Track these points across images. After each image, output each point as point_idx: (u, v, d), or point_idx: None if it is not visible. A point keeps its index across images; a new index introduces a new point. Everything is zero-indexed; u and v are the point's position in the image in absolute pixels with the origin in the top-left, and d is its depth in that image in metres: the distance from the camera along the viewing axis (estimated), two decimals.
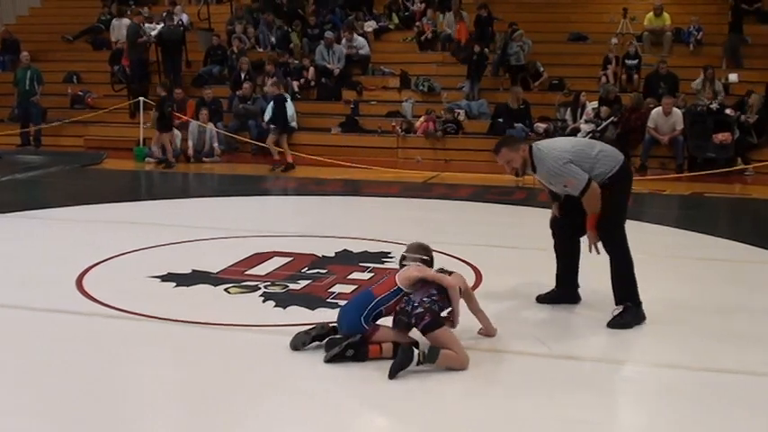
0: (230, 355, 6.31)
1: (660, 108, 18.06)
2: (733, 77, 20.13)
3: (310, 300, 7.61)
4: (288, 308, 7.40)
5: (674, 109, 18.10)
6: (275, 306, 7.46)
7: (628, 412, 5.62)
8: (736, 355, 6.49)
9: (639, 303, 7.19)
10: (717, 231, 11.41)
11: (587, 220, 7.19)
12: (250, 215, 12.42)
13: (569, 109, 19.10)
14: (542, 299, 7.69)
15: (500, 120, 19.13)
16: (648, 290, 8.06)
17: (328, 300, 7.63)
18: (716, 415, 5.37)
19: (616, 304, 7.18)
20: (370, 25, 24.14)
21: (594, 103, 19.10)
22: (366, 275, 8.50)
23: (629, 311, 7.11)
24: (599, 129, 18.28)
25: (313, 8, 24.90)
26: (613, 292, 7.23)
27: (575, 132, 18.30)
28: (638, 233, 11.60)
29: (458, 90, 21.09)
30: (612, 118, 18.45)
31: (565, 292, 7.71)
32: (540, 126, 18.92)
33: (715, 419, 5.31)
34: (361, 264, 8.98)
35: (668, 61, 20.18)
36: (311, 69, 21.72)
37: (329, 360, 5.99)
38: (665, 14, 22.31)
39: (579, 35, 23.13)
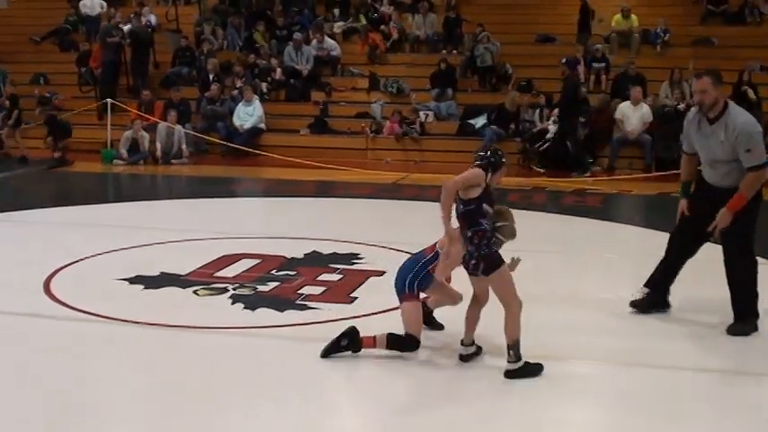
0: (199, 357, 6.30)
1: (628, 101, 18.23)
2: None
3: (279, 302, 7.60)
4: (257, 310, 7.39)
5: (643, 103, 18.26)
6: (244, 308, 7.45)
7: (598, 411, 5.64)
8: (702, 354, 6.57)
9: (758, 314, 7.17)
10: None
11: (733, 199, 6.91)
12: (219, 217, 12.39)
13: (537, 110, 19.14)
14: (637, 305, 7.59)
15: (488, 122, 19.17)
16: (618, 289, 8.16)
17: (297, 301, 7.63)
18: (683, 413, 5.42)
19: (735, 315, 7.15)
20: (339, 26, 24.13)
21: None
22: (335, 277, 8.51)
23: (749, 321, 7.11)
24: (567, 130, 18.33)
25: (280, 9, 24.86)
26: (733, 301, 7.20)
27: (542, 134, 18.39)
28: (606, 233, 11.82)
29: (426, 91, 21.12)
30: (580, 119, 18.53)
31: (658, 297, 7.66)
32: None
33: (682, 418, 5.36)
34: (330, 265, 8.98)
35: (636, 62, 20.31)
36: (279, 70, 21.69)
37: (324, 354, 6.06)
38: (633, 16, 22.46)
39: (547, 36, 23.21)
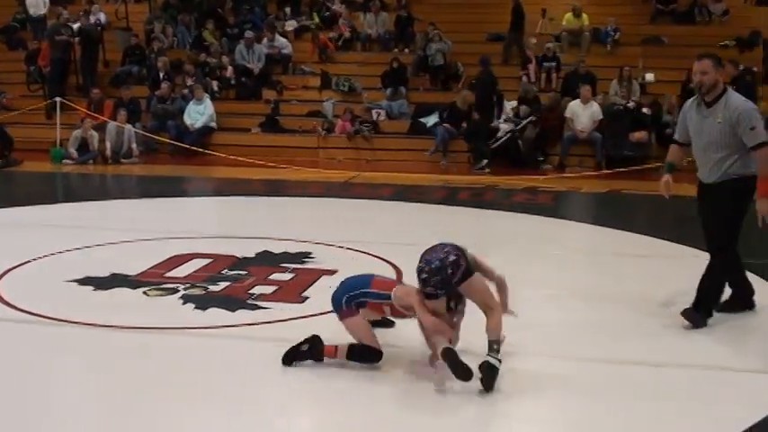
0: (149, 358, 6.25)
1: (578, 100, 18.39)
2: (649, 77, 20.50)
3: (230, 301, 7.57)
4: (208, 310, 7.35)
5: (593, 101, 18.43)
6: (195, 308, 7.40)
7: (544, 405, 5.67)
8: (648, 348, 6.63)
9: (711, 314, 7.24)
10: (633, 227, 11.60)
11: (759, 188, 6.91)
12: (169, 216, 12.32)
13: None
14: (720, 307, 7.47)
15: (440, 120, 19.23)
16: (566, 285, 8.22)
17: (248, 301, 7.59)
18: (623, 406, 5.46)
19: (696, 302, 7.21)
20: (290, 24, 24.08)
21: (513, 103, 19.32)
22: (287, 276, 8.49)
23: (702, 312, 7.18)
24: (518, 128, 18.48)
25: (231, 7, 24.75)
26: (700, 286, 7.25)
27: (494, 132, 18.49)
28: (556, 230, 11.90)
29: (378, 90, 21.14)
30: (531, 117, 18.66)
31: (740, 301, 7.61)
32: None
33: (622, 411, 5.40)
34: (281, 264, 8.95)
35: (586, 61, 20.46)
36: (230, 69, 21.60)
37: (285, 360, 5.92)
38: (584, 15, 22.63)
39: (498, 35, 23.29)
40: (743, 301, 7.59)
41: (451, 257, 5.76)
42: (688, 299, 7.42)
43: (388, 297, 5.95)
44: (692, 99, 7.39)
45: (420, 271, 5.80)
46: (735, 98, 7.03)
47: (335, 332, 6.08)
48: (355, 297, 5.97)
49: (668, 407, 5.52)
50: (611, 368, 6.24)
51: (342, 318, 6.03)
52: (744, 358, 6.64)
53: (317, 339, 6.01)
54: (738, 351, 6.81)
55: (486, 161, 18.01)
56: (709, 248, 7.29)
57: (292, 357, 5.98)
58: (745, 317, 7.49)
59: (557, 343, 6.72)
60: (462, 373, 5.49)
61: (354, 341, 5.99)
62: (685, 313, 7.15)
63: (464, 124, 18.95)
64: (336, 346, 5.96)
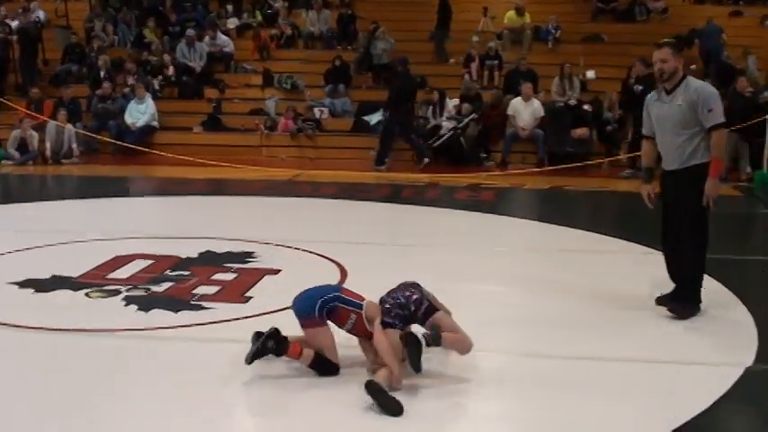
0: (91, 360, 6.18)
1: (520, 97, 18.52)
2: (590, 74, 20.66)
3: (173, 302, 7.51)
4: (150, 311, 7.29)
5: (534, 99, 18.57)
6: (138, 310, 7.34)
7: (490, 400, 5.70)
8: (593, 343, 6.70)
9: (700, 300, 7.38)
10: (576, 224, 11.71)
11: (712, 167, 7.08)
12: (111, 217, 12.20)
13: (431, 107, 19.28)
14: (660, 301, 7.60)
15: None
16: (511, 282, 8.28)
17: (191, 302, 7.55)
18: (576, 401, 5.51)
19: (675, 294, 7.38)
20: (232, 22, 23.97)
21: (456, 101, 19.39)
22: (230, 276, 8.45)
23: (691, 302, 7.34)
24: (460, 125, 18.56)
25: (171, 5, 24.57)
26: (678, 278, 7.39)
27: (436, 129, 18.56)
28: (499, 227, 11.97)
29: (321, 88, 21.12)
30: (473, 115, 18.76)
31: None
32: None
33: (575, 406, 5.45)
34: (224, 264, 8.90)
35: (528, 58, 20.60)
36: (171, 67, 21.45)
37: (251, 359, 5.73)
38: (526, 13, 22.80)
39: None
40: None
41: (415, 296, 5.91)
42: (635, 294, 7.58)
43: (360, 306, 5.91)
44: (652, 92, 7.58)
45: (384, 302, 5.92)
46: (695, 82, 7.29)
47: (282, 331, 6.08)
48: (330, 301, 5.87)
49: (620, 400, 5.60)
50: (563, 363, 6.29)
51: (309, 326, 5.85)
52: (693, 351, 6.72)
53: (281, 336, 5.81)
54: (687, 345, 6.88)
55: (427, 160, 18.07)
56: (681, 235, 7.38)
57: (257, 358, 5.79)
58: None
59: (504, 339, 6.76)
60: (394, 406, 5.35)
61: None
62: (671, 307, 7.32)
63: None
64: (302, 350, 5.81)
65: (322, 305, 5.83)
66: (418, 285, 6.07)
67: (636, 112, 17.14)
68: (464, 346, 5.87)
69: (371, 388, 5.35)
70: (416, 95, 18.94)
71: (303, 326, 5.88)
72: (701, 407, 5.47)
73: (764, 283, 8.08)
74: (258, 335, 5.80)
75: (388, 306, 5.88)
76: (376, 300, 5.99)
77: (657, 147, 7.50)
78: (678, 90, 7.20)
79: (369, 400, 5.29)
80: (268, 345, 5.76)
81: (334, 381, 5.75)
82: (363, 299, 6.00)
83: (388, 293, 5.99)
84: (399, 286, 6.05)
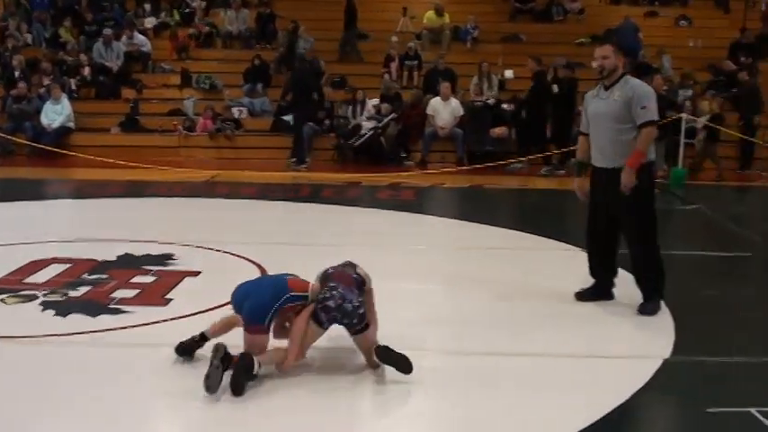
0: (8, 368, 6.07)
1: (439, 97, 18.62)
2: (509, 74, 20.88)
3: (91, 307, 7.40)
4: (68, 316, 7.18)
5: (453, 98, 18.69)
6: (55, 315, 7.21)
7: (415, 398, 5.72)
8: (518, 339, 6.79)
9: (662, 295, 7.56)
10: (496, 221, 11.81)
11: (632, 156, 7.18)
12: (27, 221, 11.94)
13: (350, 106, 19.29)
14: (581, 296, 7.79)
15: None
16: (433, 280, 8.32)
17: (110, 305, 7.45)
18: (497, 396, 5.56)
19: (643, 292, 7.51)
20: (149, 21, 23.73)
21: (375, 101, 19.43)
22: (149, 279, 8.35)
23: (654, 302, 7.48)
24: (381, 125, 18.60)
25: (87, 3, 24.24)
26: (640, 279, 7.54)
27: (356, 129, 18.58)
28: (420, 226, 12.02)
29: (239, 87, 21.01)
30: (393, 114, 18.81)
31: (602, 290, 7.84)
32: None
33: (497, 401, 5.50)
34: (143, 267, 8.80)
35: (446, 58, 20.72)
36: (87, 67, 21.15)
37: (212, 390, 5.41)
38: (445, 13, 22.93)
39: (360, 33, 23.44)
40: (605, 291, 7.83)
41: (361, 310, 5.81)
42: (557, 290, 7.70)
43: (307, 298, 5.88)
44: (592, 90, 7.72)
45: (331, 298, 5.80)
46: (633, 80, 7.46)
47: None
48: (280, 308, 5.80)
49: (545, 394, 5.70)
50: (488, 360, 6.34)
51: (253, 332, 5.75)
52: (614, 345, 6.89)
53: (227, 354, 5.60)
54: (608, 339, 7.03)
55: (308, 160, 18.16)
56: (631, 235, 7.51)
57: (217, 381, 5.50)
58: (608, 305, 7.71)
59: (429, 338, 6.79)
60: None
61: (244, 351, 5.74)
62: (641, 309, 7.49)
63: (327, 121, 19.02)
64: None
65: (274, 314, 5.77)
66: (363, 284, 6.00)
67: (552, 111, 17.48)
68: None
69: (244, 360, 5.53)
70: (320, 90, 19.06)
71: (247, 329, 5.79)
72: (623, 398, 5.61)
73: (681, 278, 8.25)
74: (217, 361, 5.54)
75: (332, 307, 5.79)
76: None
77: (590, 144, 7.60)
78: (616, 86, 7.34)
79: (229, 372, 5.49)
80: (222, 367, 5.53)
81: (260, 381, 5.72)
82: (309, 287, 5.96)
83: (339, 285, 5.86)
84: (351, 284, 5.92)
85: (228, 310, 6.20)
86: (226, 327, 6.04)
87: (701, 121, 17.78)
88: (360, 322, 5.80)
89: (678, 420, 5.61)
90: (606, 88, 7.42)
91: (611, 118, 7.31)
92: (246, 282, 6.18)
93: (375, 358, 5.82)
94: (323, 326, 5.85)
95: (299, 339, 5.78)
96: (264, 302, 5.78)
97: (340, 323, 5.84)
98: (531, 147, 17.84)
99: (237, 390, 5.47)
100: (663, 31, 23.96)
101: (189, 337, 6.05)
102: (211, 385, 5.43)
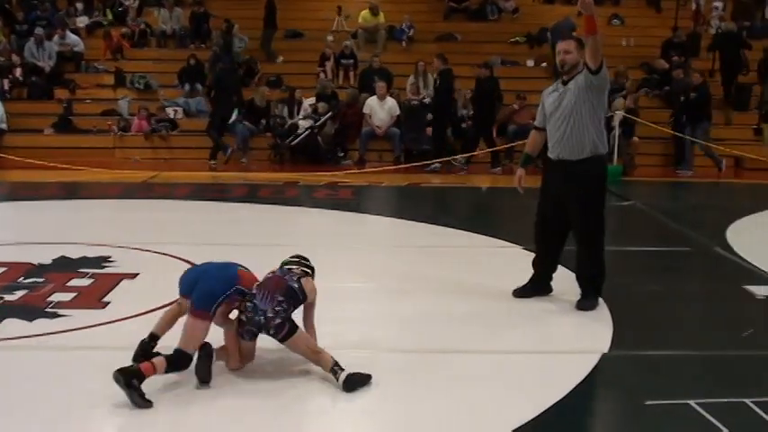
0: None
1: (375, 96, 18.67)
2: None
3: (28, 311, 7.29)
4: (4, 321, 7.07)
5: (389, 97, 18.75)
6: None
7: (358, 396, 5.73)
8: (458, 336, 6.82)
9: (600, 293, 7.63)
10: (434, 220, 11.87)
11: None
12: None
13: (286, 106, 19.27)
14: (519, 293, 7.82)
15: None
16: (373, 279, 8.33)
17: (47, 309, 7.34)
18: (440, 393, 5.58)
19: (583, 289, 7.55)
20: (82, 21, 23.46)
21: (312, 100, 19.43)
22: (86, 281, 8.26)
23: (593, 298, 7.54)
24: (317, 124, 18.61)
25: (18, 1, 23.92)
26: (582, 276, 7.58)
27: (293, 128, 18.56)
28: (358, 225, 12.04)
29: (174, 87, 20.88)
30: (330, 113, 18.82)
31: (541, 284, 7.87)
32: None
33: (440, 397, 5.52)
34: (80, 270, 8.68)
35: (381, 57, 20.77)
36: (19, 68, 20.87)
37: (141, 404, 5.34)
38: (381, 13, 22.97)
39: (295, 32, 23.45)
40: (544, 286, 7.90)
41: (277, 320, 5.68)
42: (496, 287, 7.77)
43: (250, 293, 5.80)
44: (551, 85, 7.74)
45: (244, 311, 5.75)
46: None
47: (138, 336, 5.97)
48: (226, 299, 5.71)
49: (488, 389, 5.73)
50: (428, 357, 6.37)
51: (197, 317, 5.63)
52: (553, 340, 6.96)
53: (132, 370, 5.47)
54: (548, 334, 7.10)
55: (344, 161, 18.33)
56: (580, 231, 7.55)
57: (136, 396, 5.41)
58: (546, 301, 7.79)
59: (368, 336, 6.80)
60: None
61: (178, 345, 5.64)
62: (580, 305, 7.52)
63: (263, 121, 19.00)
64: (154, 365, 5.51)
65: (220, 303, 5.70)
66: (294, 294, 5.86)
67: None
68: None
69: (205, 350, 5.64)
70: (238, 89, 19.34)
71: (192, 313, 5.66)
72: (563, 392, 5.66)
73: (619, 274, 8.33)
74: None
75: (243, 318, 5.75)
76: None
77: (547, 138, 7.62)
78: (574, 79, 7.34)
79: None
80: (134, 385, 5.39)
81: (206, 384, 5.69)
82: (256, 280, 5.91)
83: (250, 299, 5.75)
84: (268, 294, 5.76)
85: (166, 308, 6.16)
86: (171, 320, 5.98)
87: (618, 116, 17.71)
88: (277, 332, 5.70)
89: (617, 413, 5.67)
90: (564, 83, 7.43)
91: (570, 108, 7.32)
92: (195, 266, 6.14)
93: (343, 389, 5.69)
94: (245, 338, 5.82)
95: (236, 350, 5.80)
96: (214, 289, 5.71)
97: (260, 334, 5.79)
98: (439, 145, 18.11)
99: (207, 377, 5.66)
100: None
101: (137, 344, 5.93)
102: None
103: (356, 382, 5.63)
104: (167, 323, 5.99)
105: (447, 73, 18.25)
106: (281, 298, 5.76)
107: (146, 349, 5.89)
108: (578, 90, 7.29)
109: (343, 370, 5.64)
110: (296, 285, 5.88)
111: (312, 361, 5.83)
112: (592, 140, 7.33)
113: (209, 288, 5.72)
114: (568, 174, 7.39)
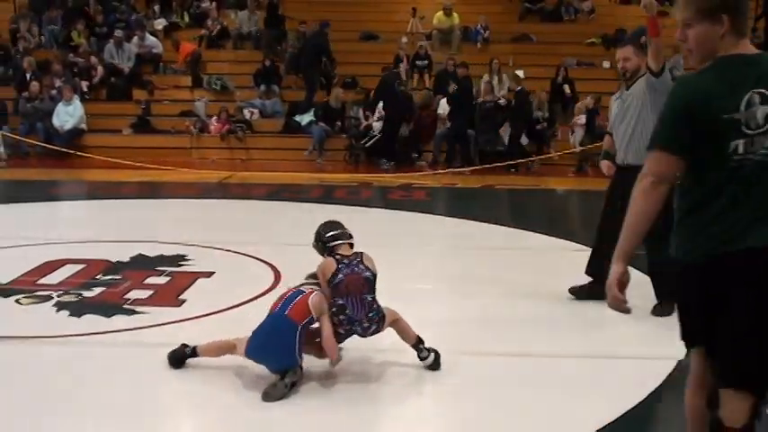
0: (24, 368, 6.09)
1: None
2: (519, 74, 20.83)
3: (106, 307, 7.42)
4: (83, 316, 7.20)
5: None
6: (69, 315, 7.24)
7: (430, 398, 5.74)
8: (531, 340, 6.77)
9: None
10: (508, 222, 11.85)
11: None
12: (40, 222, 11.99)
13: (362, 107, 19.32)
14: (575, 292, 7.79)
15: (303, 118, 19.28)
16: (447, 280, 8.31)
17: (124, 306, 7.47)
18: (513, 397, 5.56)
19: (658, 297, 7.42)
20: (159, 23, 23.75)
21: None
22: (163, 279, 8.38)
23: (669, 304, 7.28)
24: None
25: (99, 6, 24.26)
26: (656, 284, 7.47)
27: (367, 130, 18.60)
28: (433, 226, 12.01)
29: (251, 89, 21.04)
30: (405, 115, 18.81)
31: (597, 288, 7.77)
32: None
33: (512, 402, 5.50)
34: (157, 268, 8.81)
35: (457, 59, 20.70)
36: (99, 69, 21.19)
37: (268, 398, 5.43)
38: (455, 14, 22.90)
39: (370, 34, 23.47)
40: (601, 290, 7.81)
41: (372, 327, 5.86)
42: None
43: (312, 319, 5.71)
44: (616, 93, 7.72)
45: (339, 324, 5.77)
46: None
47: (213, 335, 6.05)
48: (301, 336, 5.61)
49: (556, 396, 5.68)
50: (502, 361, 6.36)
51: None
52: (624, 346, 6.83)
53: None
54: (618, 340, 6.99)
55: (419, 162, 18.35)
56: (647, 239, 7.44)
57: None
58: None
59: (442, 338, 6.77)
60: None
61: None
62: (656, 311, 7.39)
63: (338, 122, 19.08)
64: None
65: (300, 347, 5.60)
66: (374, 283, 5.92)
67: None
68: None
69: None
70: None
71: None
72: (639, 398, 5.60)
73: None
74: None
75: (341, 332, 5.77)
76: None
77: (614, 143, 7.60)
78: (638, 83, 7.29)
79: None
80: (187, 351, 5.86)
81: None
82: (309, 311, 5.71)
83: (341, 308, 5.75)
84: (356, 288, 5.80)
85: (236, 318, 6.20)
86: (219, 350, 5.91)
87: None
88: (377, 330, 5.85)
89: None
90: (628, 88, 7.39)
91: (634, 113, 7.26)
92: (251, 337, 5.75)
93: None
94: (341, 339, 5.86)
95: (335, 347, 5.78)
96: (287, 344, 5.59)
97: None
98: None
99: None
100: (674, 30, 23.79)
101: (180, 345, 6.01)
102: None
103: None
104: (215, 352, 5.94)
105: (466, 80, 18.28)
106: (369, 298, 5.81)
107: (182, 357, 5.94)
108: (641, 94, 7.24)
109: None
110: (369, 274, 5.92)
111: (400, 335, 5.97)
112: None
113: (281, 350, 5.60)
114: (634, 178, 7.30)
